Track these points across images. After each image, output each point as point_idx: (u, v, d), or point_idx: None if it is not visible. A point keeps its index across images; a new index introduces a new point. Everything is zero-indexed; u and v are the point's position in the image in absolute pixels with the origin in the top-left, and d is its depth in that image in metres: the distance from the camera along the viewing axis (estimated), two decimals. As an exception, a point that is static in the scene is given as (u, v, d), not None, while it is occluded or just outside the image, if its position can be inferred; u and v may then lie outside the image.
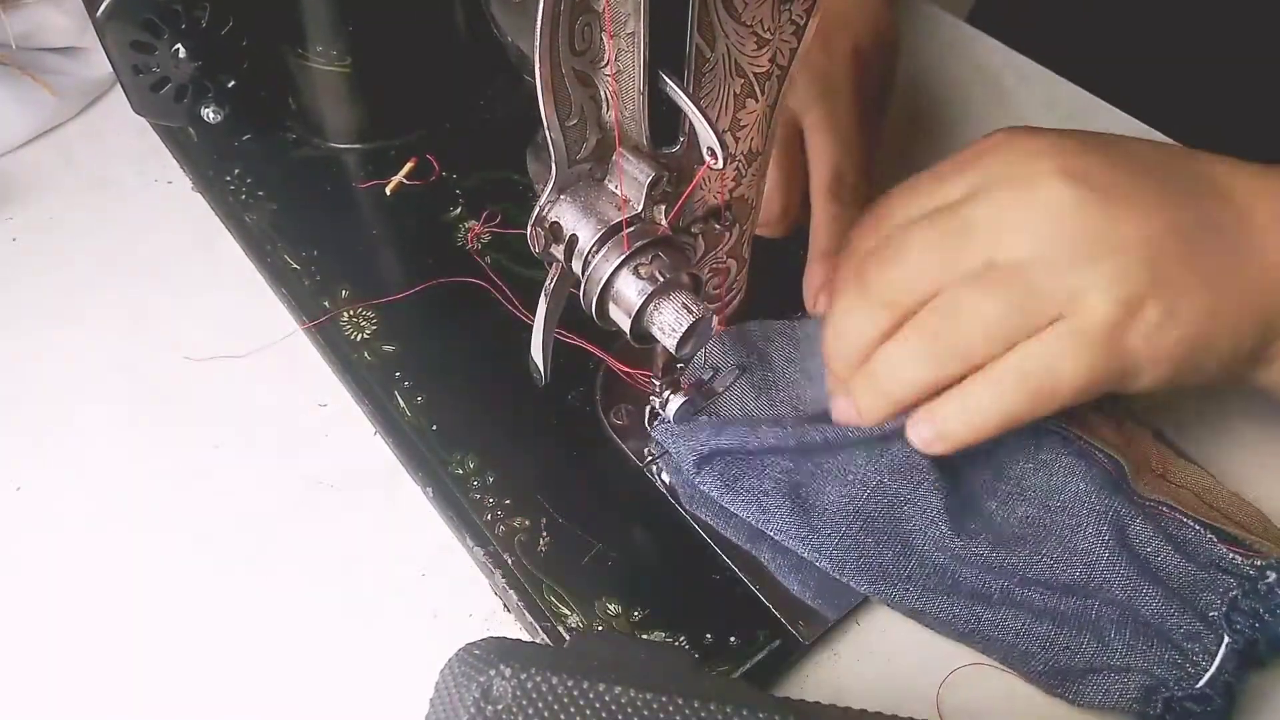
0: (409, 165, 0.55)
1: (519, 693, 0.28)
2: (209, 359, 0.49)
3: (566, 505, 0.43)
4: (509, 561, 0.41)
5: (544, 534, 0.42)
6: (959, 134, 0.60)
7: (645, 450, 0.45)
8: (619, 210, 0.34)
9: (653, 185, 0.34)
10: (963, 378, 0.38)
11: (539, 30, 0.30)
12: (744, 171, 0.38)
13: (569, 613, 0.40)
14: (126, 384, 0.48)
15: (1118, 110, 0.60)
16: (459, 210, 0.54)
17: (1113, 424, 0.44)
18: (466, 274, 0.50)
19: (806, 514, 0.41)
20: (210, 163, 0.56)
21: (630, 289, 0.34)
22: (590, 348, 0.45)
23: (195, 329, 0.50)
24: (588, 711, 0.28)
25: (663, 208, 0.35)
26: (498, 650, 0.29)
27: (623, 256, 0.34)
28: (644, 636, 0.39)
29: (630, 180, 0.34)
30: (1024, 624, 0.39)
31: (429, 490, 0.43)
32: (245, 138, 0.57)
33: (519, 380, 0.41)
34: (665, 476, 0.44)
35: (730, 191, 0.38)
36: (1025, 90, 0.62)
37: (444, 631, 0.41)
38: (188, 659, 0.40)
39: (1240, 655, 0.37)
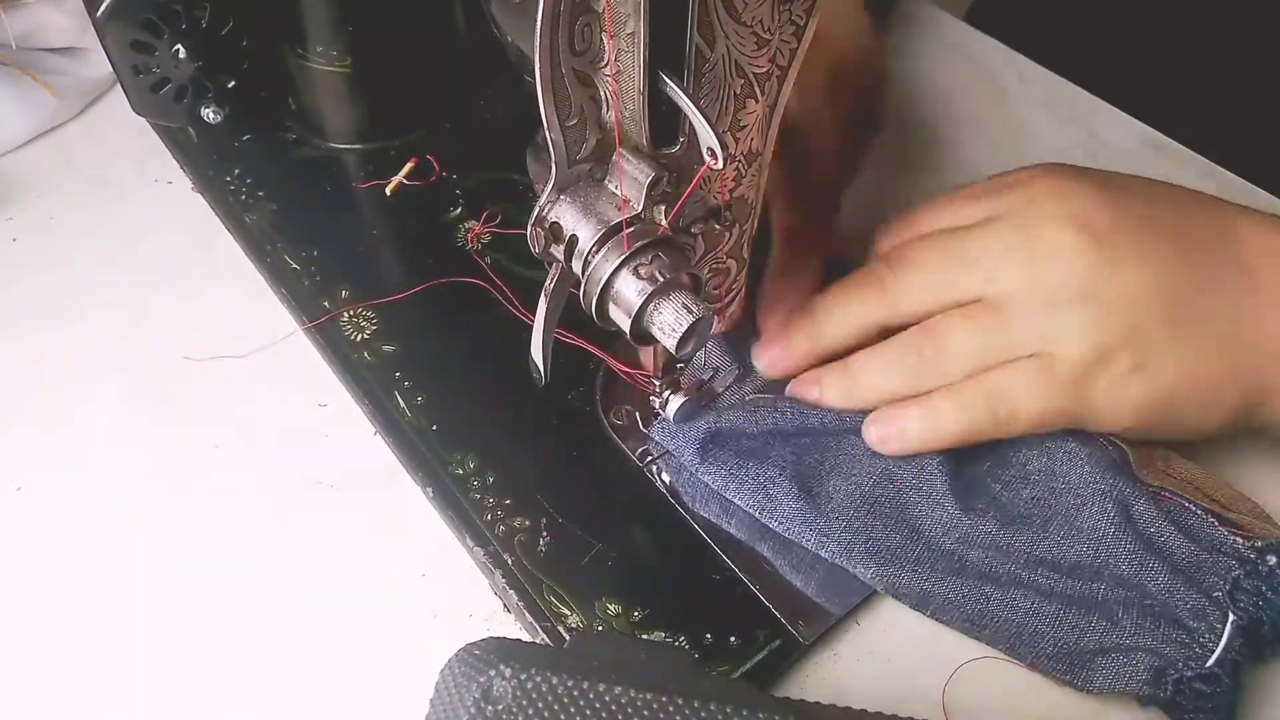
0: (409, 165, 0.55)
1: (519, 693, 0.28)
2: (209, 359, 0.49)
3: (566, 505, 0.43)
4: (509, 561, 0.41)
5: (544, 534, 0.42)
6: (958, 134, 0.60)
7: (645, 450, 0.45)
8: (619, 210, 0.34)
9: (653, 185, 0.34)
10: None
11: (539, 30, 0.30)
12: (744, 171, 0.38)
13: (569, 613, 0.40)
14: (126, 384, 0.48)
15: (1117, 110, 0.60)
16: (459, 210, 0.54)
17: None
18: (466, 274, 0.50)
19: (813, 499, 0.41)
20: (210, 163, 0.56)
21: (630, 289, 0.34)
22: (590, 348, 0.45)
23: (195, 329, 0.50)
24: (588, 711, 0.28)
25: (663, 208, 0.35)
26: (498, 650, 0.29)
27: (623, 256, 0.34)
28: (644, 636, 0.39)
29: (630, 180, 0.34)
30: (1033, 602, 0.39)
31: (429, 490, 0.43)
32: (245, 138, 0.57)
33: (519, 380, 0.41)
34: (665, 476, 0.44)
35: (730, 192, 0.38)
36: (1025, 90, 0.62)
37: (444, 631, 0.41)
38: (188, 659, 0.40)
39: (1245, 633, 0.37)
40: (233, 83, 0.53)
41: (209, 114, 0.53)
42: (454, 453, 0.44)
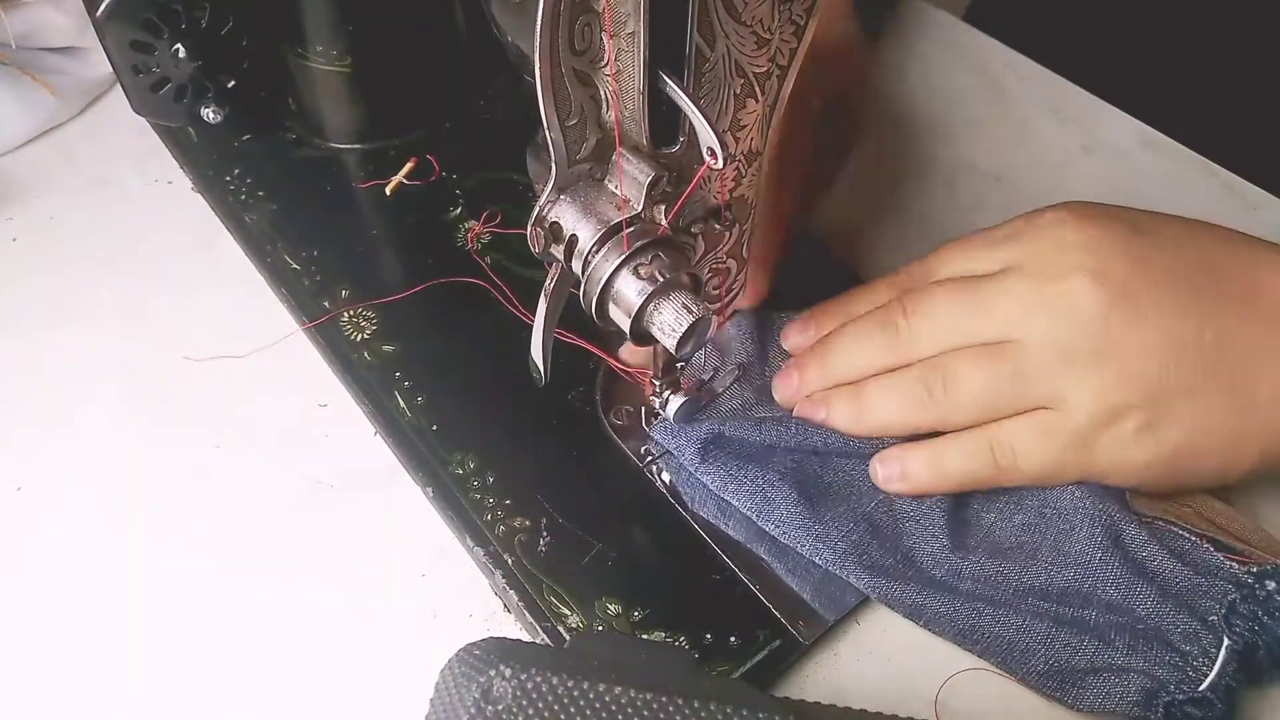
0: (409, 165, 0.55)
1: (519, 693, 0.28)
2: (209, 359, 0.49)
3: (566, 505, 0.43)
4: (509, 561, 0.41)
5: (544, 534, 0.42)
6: (958, 134, 0.60)
7: (644, 450, 0.45)
8: (619, 210, 0.34)
9: (653, 185, 0.34)
10: (932, 431, 0.42)
11: (539, 30, 0.30)
12: (744, 171, 0.38)
13: (569, 613, 0.40)
14: (126, 384, 0.48)
15: (1117, 110, 0.60)
16: (459, 210, 0.54)
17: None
18: (466, 274, 0.50)
19: (811, 505, 0.41)
20: (210, 163, 0.56)
21: (630, 289, 0.34)
22: (590, 348, 0.45)
23: (195, 329, 0.50)
24: (588, 711, 0.28)
25: (663, 208, 0.35)
26: (498, 650, 0.29)
27: (623, 256, 0.34)
28: (644, 636, 0.39)
29: (630, 180, 0.34)
30: (1025, 620, 0.39)
31: (429, 490, 0.43)
32: (245, 138, 0.57)
33: (519, 380, 0.41)
34: (665, 476, 0.44)
35: (730, 191, 0.38)
36: (1025, 90, 0.62)
37: (444, 631, 0.41)
38: (188, 659, 0.40)
39: (1240, 658, 0.37)
40: (233, 82, 0.53)
41: (209, 114, 0.53)
42: (454, 453, 0.44)
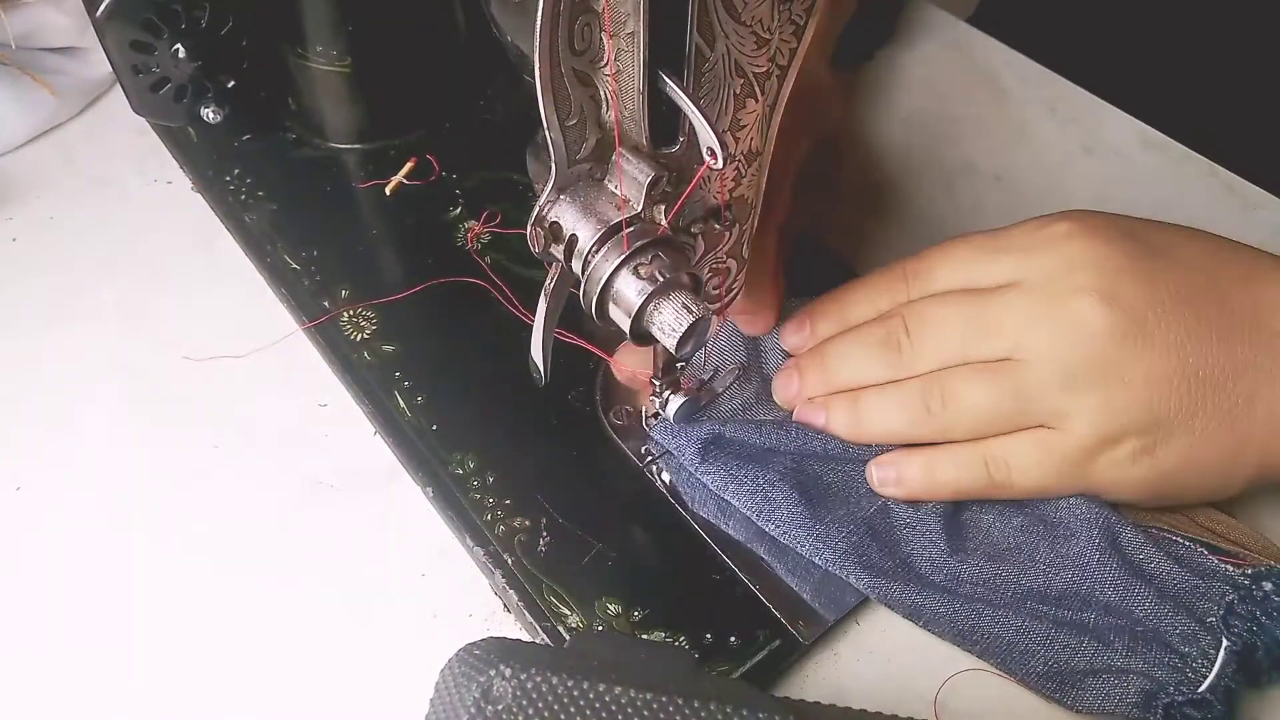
0: (409, 165, 0.55)
1: (519, 693, 0.28)
2: (209, 359, 0.49)
3: (566, 505, 0.43)
4: (509, 561, 0.41)
5: (544, 534, 0.42)
6: (959, 134, 0.60)
7: (644, 450, 0.45)
8: (619, 210, 0.34)
9: (653, 185, 0.34)
10: (929, 442, 0.42)
11: (539, 30, 0.30)
12: (744, 171, 0.38)
13: (569, 613, 0.40)
14: (126, 384, 0.48)
15: (1117, 110, 0.60)
16: (459, 210, 0.54)
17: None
18: (466, 274, 0.50)
19: (811, 505, 0.41)
20: (210, 163, 0.56)
21: (630, 289, 0.34)
22: (590, 347, 0.45)
23: (195, 329, 0.50)
24: (588, 711, 0.28)
25: (663, 208, 0.35)
26: (498, 650, 0.29)
27: (622, 256, 0.34)
28: (644, 636, 0.39)
29: (630, 180, 0.34)
30: (1024, 621, 0.39)
31: (429, 490, 0.43)
32: (245, 138, 0.57)
33: (519, 380, 0.41)
34: (665, 476, 0.44)
35: (730, 191, 0.38)
36: (1025, 90, 0.62)
37: (444, 631, 0.41)
38: (188, 659, 0.40)
39: (1239, 659, 0.37)
40: (232, 82, 0.53)
41: (209, 114, 0.53)
42: (454, 453, 0.44)
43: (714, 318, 0.42)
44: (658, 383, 0.43)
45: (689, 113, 0.32)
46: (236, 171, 0.55)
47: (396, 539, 0.43)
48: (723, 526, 0.42)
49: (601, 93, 0.33)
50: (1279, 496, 0.43)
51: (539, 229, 0.35)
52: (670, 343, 0.34)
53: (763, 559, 0.42)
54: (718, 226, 0.39)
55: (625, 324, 0.35)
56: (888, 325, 0.42)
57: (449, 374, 0.47)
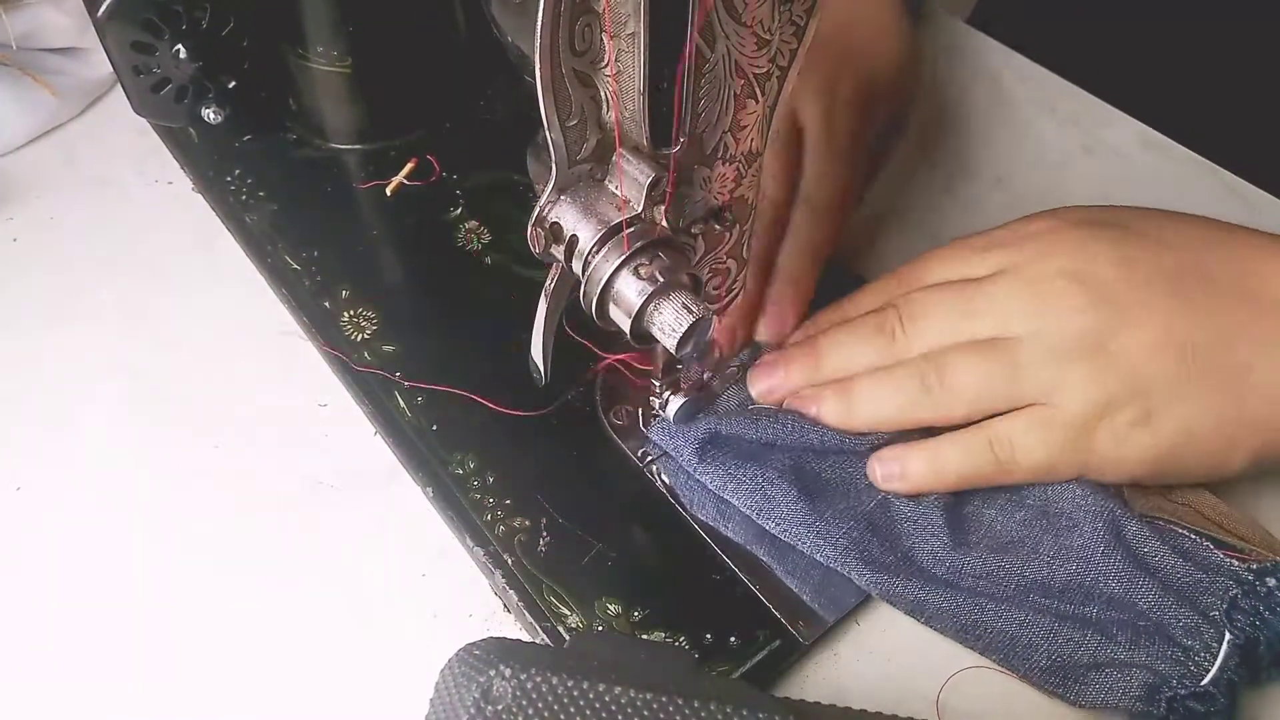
0: (409, 165, 0.55)
1: (519, 693, 0.28)
2: (209, 359, 0.49)
3: (566, 505, 0.43)
4: (509, 561, 0.41)
5: (544, 534, 0.42)
6: (959, 134, 0.60)
7: (642, 451, 0.45)
8: (619, 210, 0.34)
9: (653, 185, 0.34)
10: (925, 425, 0.42)
11: (539, 30, 0.30)
12: (744, 172, 0.38)
13: (569, 613, 0.40)
14: (126, 384, 0.48)
15: (1117, 110, 0.60)
16: (459, 210, 0.54)
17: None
18: (466, 274, 0.50)
19: (811, 502, 0.41)
20: (210, 163, 0.56)
21: (630, 289, 0.34)
22: (589, 345, 0.45)
23: (195, 329, 0.50)
24: (588, 711, 0.28)
25: (663, 208, 0.35)
26: (498, 650, 0.29)
27: (623, 257, 0.34)
28: (644, 636, 0.39)
29: (630, 180, 0.34)
30: (1028, 615, 0.39)
31: (429, 490, 0.43)
32: (246, 138, 0.57)
33: (519, 380, 0.41)
34: (665, 477, 0.44)
35: (730, 192, 0.38)
36: (1025, 91, 0.62)
37: (444, 631, 0.41)
38: (188, 659, 0.40)
39: (1242, 652, 0.37)
40: (233, 83, 0.53)
41: (209, 114, 0.53)
42: (454, 453, 0.44)
43: (714, 318, 0.42)
44: (658, 383, 0.43)
45: None
46: (237, 172, 0.55)
47: (396, 539, 0.43)
48: (722, 529, 0.42)
49: (602, 93, 0.33)
50: (1276, 495, 0.44)
51: (539, 229, 0.35)
52: (670, 343, 0.35)
53: (764, 558, 0.42)
54: (718, 227, 0.39)
55: (625, 324, 0.35)
56: (881, 314, 0.43)
57: (449, 374, 0.47)
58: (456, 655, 0.30)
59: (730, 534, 0.42)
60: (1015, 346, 0.40)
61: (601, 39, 0.31)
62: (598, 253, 0.34)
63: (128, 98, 0.51)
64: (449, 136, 0.57)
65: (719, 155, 0.36)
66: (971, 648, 0.40)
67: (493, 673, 0.29)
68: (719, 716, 0.28)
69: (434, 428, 0.45)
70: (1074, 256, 0.41)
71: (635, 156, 0.34)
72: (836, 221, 0.48)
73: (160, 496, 0.45)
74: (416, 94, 0.57)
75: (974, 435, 0.41)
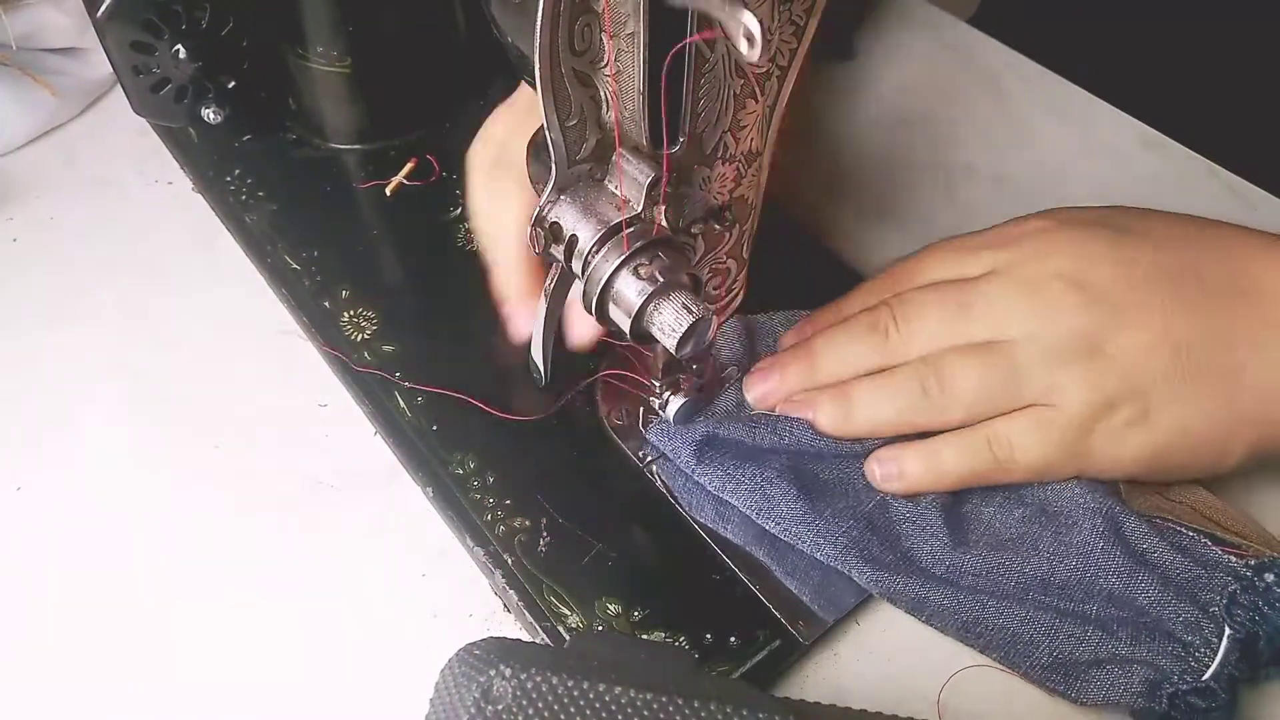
0: (409, 165, 0.55)
1: (519, 693, 0.28)
2: (209, 359, 0.49)
3: (566, 505, 0.43)
4: (509, 561, 0.41)
5: (544, 534, 0.42)
6: (959, 134, 0.60)
7: (641, 453, 0.45)
8: (619, 210, 0.34)
9: (653, 185, 0.34)
10: (923, 430, 0.42)
11: (539, 30, 0.30)
12: (744, 171, 0.38)
13: (569, 613, 0.40)
14: (126, 384, 0.48)
15: (1117, 110, 0.60)
16: (459, 210, 0.54)
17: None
18: (466, 274, 0.50)
19: (811, 501, 0.41)
20: (210, 163, 0.56)
21: (630, 289, 0.34)
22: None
23: (195, 329, 0.50)
24: (588, 711, 0.28)
25: (663, 208, 0.35)
26: (498, 650, 0.29)
27: (622, 257, 0.34)
28: (644, 636, 0.39)
29: (630, 180, 0.34)
30: (1029, 612, 0.39)
31: (429, 490, 0.43)
32: (245, 138, 0.57)
33: (519, 380, 0.41)
34: (664, 478, 0.44)
35: (730, 191, 0.38)
36: (1025, 91, 0.62)
37: (444, 631, 0.41)
38: (188, 659, 0.40)
39: (1242, 647, 0.37)
40: (233, 83, 0.53)
41: (209, 114, 0.53)
42: (454, 453, 0.44)
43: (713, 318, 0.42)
44: (658, 384, 0.43)
45: (711, 10, 0.29)
46: (237, 172, 0.55)
47: (396, 539, 0.43)
48: (721, 529, 0.42)
49: (602, 93, 0.33)
50: (1278, 488, 0.44)
51: (539, 229, 0.35)
52: (670, 343, 0.35)
53: (762, 560, 0.42)
54: (718, 227, 0.39)
55: (625, 324, 0.35)
56: (874, 313, 0.43)
57: (449, 374, 0.47)
58: (456, 655, 0.30)
59: (730, 534, 0.42)
60: (1012, 349, 0.40)
61: (601, 39, 0.31)
62: (597, 253, 0.34)
63: (127, 98, 0.51)
64: (449, 136, 0.57)
65: (719, 155, 0.36)
66: (972, 645, 0.40)
67: (493, 673, 0.29)
68: (719, 716, 0.28)
69: (434, 428, 0.45)
70: (1069, 257, 0.41)
71: (635, 156, 0.34)
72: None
73: (160, 496, 0.45)
74: (416, 94, 0.57)
75: (972, 435, 0.41)
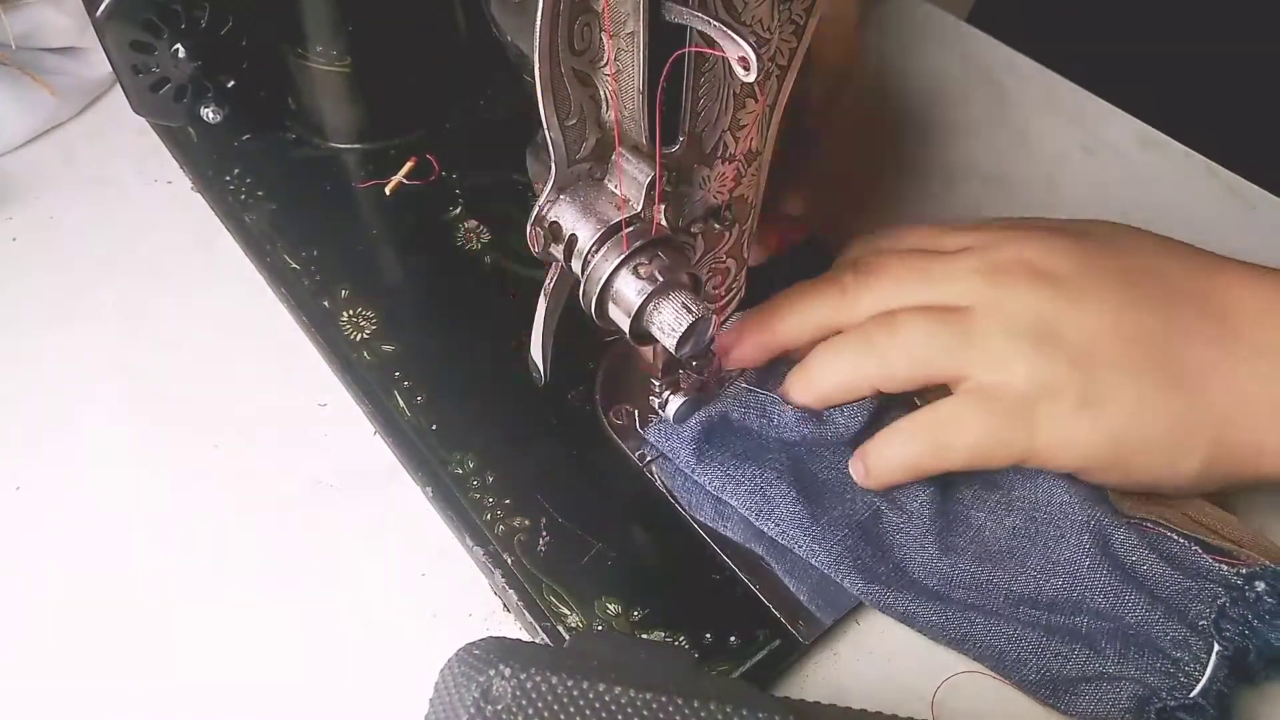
0: (409, 165, 0.55)
1: (519, 693, 0.28)
2: (209, 359, 0.49)
3: (566, 505, 0.43)
4: (509, 561, 0.41)
5: (544, 534, 0.42)
6: (959, 134, 0.60)
7: (640, 453, 0.45)
8: (618, 210, 0.34)
9: (652, 185, 0.34)
10: (876, 387, 0.42)
11: (539, 30, 0.30)
12: (743, 171, 0.38)
13: (569, 612, 0.40)
14: (126, 384, 0.48)
15: (1117, 110, 0.60)
16: (459, 210, 0.54)
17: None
18: (466, 274, 0.50)
19: (809, 504, 0.41)
20: (210, 163, 0.56)
21: (630, 289, 0.34)
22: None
23: (195, 329, 0.50)
24: (588, 711, 0.28)
25: (663, 207, 0.35)
26: (498, 650, 0.29)
27: (622, 256, 0.34)
28: (644, 636, 0.39)
29: (630, 180, 0.34)
30: (1016, 630, 0.39)
31: (429, 490, 0.43)
32: (245, 138, 0.57)
33: (519, 380, 0.41)
34: (663, 478, 0.44)
35: (730, 191, 0.38)
36: (1025, 90, 0.62)
37: (444, 631, 0.41)
38: (188, 659, 0.40)
39: (1231, 663, 0.37)
40: (232, 82, 0.53)
41: (209, 114, 0.53)
42: (454, 453, 0.44)
43: (713, 318, 0.42)
44: (657, 383, 0.43)
45: (711, 31, 0.30)
46: (236, 171, 0.55)
47: (396, 539, 0.43)
48: (721, 529, 0.42)
49: (601, 93, 0.33)
50: (1275, 497, 0.43)
51: (539, 229, 0.35)
52: (670, 342, 0.35)
53: (764, 558, 0.42)
54: (718, 226, 0.39)
55: (625, 324, 0.35)
56: (838, 270, 0.44)
57: (449, 374, 0.47)
58: (456, 655, 0.30)
59: (729, 534, 0.42)
60: (968, 315, 0.41)
61: (601, 38, 0.31)
62: (597, 252, 0.34)
63: (127, 97, 0.51)
64: (449, 136, 0.57)
65: (718, 154, 0.36)
66: (966, 655, 0.40)
67: (492, 672, 0.29)
68: (719, 716, 0.28)
69: (434, 427, 0.45)
70: (1038, 248, 0.42)
71: (635, 156, 0.34)
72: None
73: (160, 496, 0.45)
74: (416, 94, 0.57)
75: (915, 420, 0.41)
